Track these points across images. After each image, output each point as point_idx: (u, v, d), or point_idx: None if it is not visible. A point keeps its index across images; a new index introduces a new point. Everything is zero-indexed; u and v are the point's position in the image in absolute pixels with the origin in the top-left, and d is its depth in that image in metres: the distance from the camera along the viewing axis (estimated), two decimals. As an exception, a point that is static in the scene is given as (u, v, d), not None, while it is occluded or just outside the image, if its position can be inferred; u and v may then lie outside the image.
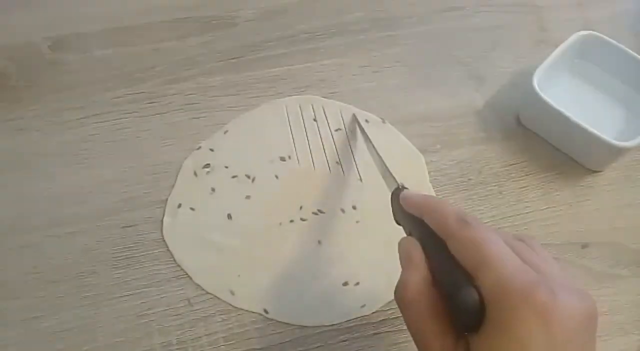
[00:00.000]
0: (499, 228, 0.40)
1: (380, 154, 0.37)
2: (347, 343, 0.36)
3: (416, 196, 0.28)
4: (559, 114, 0.40)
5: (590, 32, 0.44)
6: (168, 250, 0.38)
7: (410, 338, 0.24)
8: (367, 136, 0.41)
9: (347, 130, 0.43)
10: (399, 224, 0.31)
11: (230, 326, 0.36)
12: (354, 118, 0.44)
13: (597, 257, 0.40)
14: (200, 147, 0.42)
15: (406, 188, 0.31)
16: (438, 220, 0.25)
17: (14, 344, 0.35)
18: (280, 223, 0.40)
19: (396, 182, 0.32)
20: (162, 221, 0.39)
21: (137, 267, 0.38)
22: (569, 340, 0.20)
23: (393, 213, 0.31)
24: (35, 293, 0.36)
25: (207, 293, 0.37)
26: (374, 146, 0.39)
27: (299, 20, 0.49)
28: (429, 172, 0.42)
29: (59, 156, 0.42)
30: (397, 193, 0.30)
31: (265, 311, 0.37)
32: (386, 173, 0.35)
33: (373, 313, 0.37)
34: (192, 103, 0.44)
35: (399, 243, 0.27)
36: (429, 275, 0.24)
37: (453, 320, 0.23)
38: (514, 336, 0.20)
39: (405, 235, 0.29)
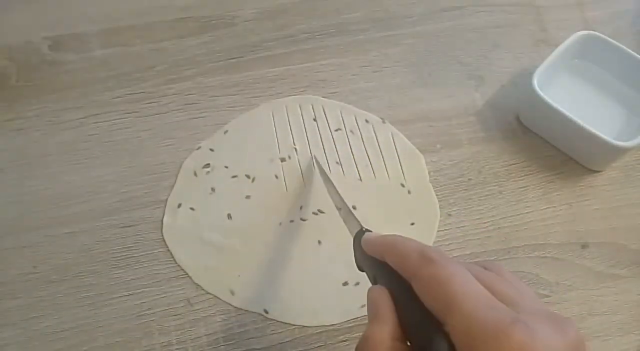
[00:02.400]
0: (498, 228, 0.41)
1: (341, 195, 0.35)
2: (347, 343, 0.36)
3: (376, 237, 0.25)
4: (559, 114, 0.40)
5: (590, 32, 0.44)
6: (168, 250, 0.38)
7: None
8: (329, 178, 0.38)
9: (318, 171, 0.41)
10: (361, 271, 0.28)
11: (230, 326, 0.36)
12: (315, 161, 0.42)
13: (597, 256, 0.40)
14: (200, 147, 0.42)
15: (369, 231, 0.28)
16: (399, 259, 0.22)
17: (14, 344, 0.35)
18: (280, 223, 0.40)
19: (359, 224, 0.29)
20: (162, 221, 0.39)
21: (137, 267, 0.38)
22: None
23: (355, 260, 0.28)
24: (35, 293, 0.36)
25: (207, 293, 0.37)
26: (335, 188, 0.36)
27: (299, 20, 0.49)
28: (429, 172, 0.42)
29: (58, 156, 0.42)
30: (359, 236, 0.27)
31: (265, 311, 0.37)
32: (348, 215, 0.32)
33: (373, 313, 0.37)
34: (192, 103, 0.44)
35: (367, 294, 0.24)
36: (398, 328, 0.21)
37: None
38: None
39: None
